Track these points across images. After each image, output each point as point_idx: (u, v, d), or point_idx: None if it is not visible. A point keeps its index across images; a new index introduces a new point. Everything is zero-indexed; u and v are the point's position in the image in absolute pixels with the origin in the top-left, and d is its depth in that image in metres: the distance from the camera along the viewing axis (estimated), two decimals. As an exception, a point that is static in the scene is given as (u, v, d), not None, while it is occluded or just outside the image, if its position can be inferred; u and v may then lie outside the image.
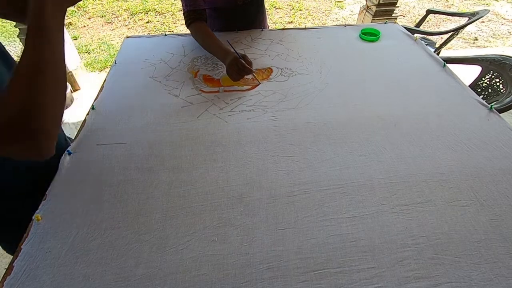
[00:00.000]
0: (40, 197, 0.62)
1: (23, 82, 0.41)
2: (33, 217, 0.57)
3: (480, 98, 0.83)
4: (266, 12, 1.29)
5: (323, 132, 0.75)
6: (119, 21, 3.46)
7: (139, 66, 1.01)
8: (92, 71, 2.65)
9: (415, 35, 1.16)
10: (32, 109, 0.41)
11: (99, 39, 3.15)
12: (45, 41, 0.42)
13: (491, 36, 3.03)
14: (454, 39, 1.97)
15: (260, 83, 0.92)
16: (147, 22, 3.41)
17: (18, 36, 1.98)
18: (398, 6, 2.26)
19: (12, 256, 0.53)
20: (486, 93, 1.25)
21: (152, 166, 0.68)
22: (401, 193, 0.61)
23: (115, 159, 0.69)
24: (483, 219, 0.57)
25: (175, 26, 3.36)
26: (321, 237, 0.55)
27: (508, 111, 1.05)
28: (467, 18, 1.78)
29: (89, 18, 3.52)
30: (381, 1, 2.18)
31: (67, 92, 0.44)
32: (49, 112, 0.43)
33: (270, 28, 1.27)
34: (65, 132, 0.81)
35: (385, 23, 1.26)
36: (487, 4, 3.69)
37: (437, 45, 1.93)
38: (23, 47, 0.43)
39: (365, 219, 0.57)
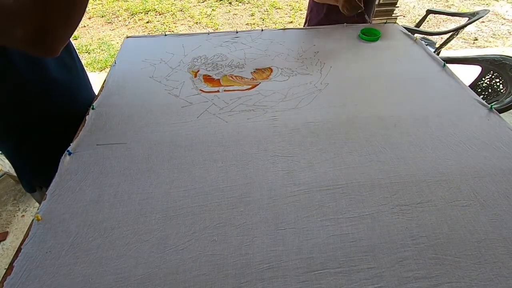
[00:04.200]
0: (61, 146, 0.71)
1: None
2: (33, 218, 0.57)
3: (480, 98, 0.83)
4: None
5: (323, 132, 0.75)
6: (119, 21, 3.46)
7: (139, 66, 1.01)
8: (92, 71, 2.66)
9: (415, 35, 1.16)
10: (47, 24, 0.42)
11: (99, 39, 3.15)
12: None
13: (491, 36, 3.03)
14: (454, 39, 1.97)
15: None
16: (147, 22, 3.41)
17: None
18: (398, 6, 2.26)
19: (12, 256, 0.53)
20: (486, 93, 1.26)
21: (152, 166, 0.68)
22: (401, 193, 0.61)
23: (115, 159, 0.69)
24: (483, 219, 0.57)
25: (175, 26, 3.36)
26: (321, 237, 0.55)
27: (508, 111, 1.06)
28: (467, 18, 1.79)
29: (89, 18, 3.52)
30: (381, 1, 2.18)
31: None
32: (63, 19, 0.44)
33: (269, 28, 1.27)
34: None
35: (385, 23, 1.26)
36: (487, 4, 3.69)
37: (437, 45, 1.93)
38: None
39: (365, 219, 0.57)
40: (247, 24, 3.36)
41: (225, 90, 0.90)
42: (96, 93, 0.90)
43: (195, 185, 0.64)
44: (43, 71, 0.69)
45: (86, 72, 0.87)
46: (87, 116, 0.80)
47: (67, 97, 0.78)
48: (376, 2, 2.19)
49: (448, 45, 2.08)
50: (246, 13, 3.57)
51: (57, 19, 0.44)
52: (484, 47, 2.88)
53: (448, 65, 0.96)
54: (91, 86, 0.91)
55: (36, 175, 0.80)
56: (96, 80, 2.51)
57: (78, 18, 0.48)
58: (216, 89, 0.91)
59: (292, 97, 0.87)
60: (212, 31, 1.58)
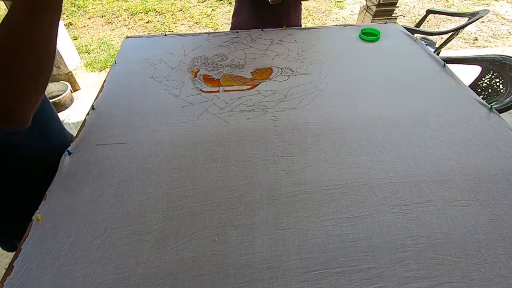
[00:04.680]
0: (39, 196, 0.62)
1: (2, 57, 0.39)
2: (33, 217, 0.57)
3: (480, 98, 0.83)
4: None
5: (323, 132, 0.75)
6: (119, 21, 3.46)
7: (139, 66, 1.01)
8: (92, 71, 2.66)
9: (415, 35, 1.16)
10: (10, 88, 0.40)
11: (99, 39, 3.15)
12: (38, 9, 0.39)
13: (491, 36, 3.03)
14: (454, 39, 1.97)
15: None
16: (147, 22, 3.41)
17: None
18: (398, 6, 2.26)
19: (12, 256, 0.53)
20: (486, 93, 1.25)
21: (152, 166, 0.68)
22: (401, 193, 0.61)
23: (115, 159, 0.69)
24: (483, 219, 0.57)
25: (175, 26, 3.36)
26: (321, 237, 0.55)
27: (508, 111, 1.06)
28: (467, 18, 1.79)
29: (89, 18, 3.52)
30: (381, 1, 2.18)
31: (50, 75, 0.44)
32: (28, 88, 0.41)
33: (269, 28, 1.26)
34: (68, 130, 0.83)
35: (385, 23, 1.26)
36: (487, 4, 3.69)
37: (437, 45, 1.93)
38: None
39: (365, 219, 0.57)
40: (247, 24, 3.35)
41: (225, 90, 0.90)
42: (95, 94, 0.90)
43: (195, 185, 0.64)
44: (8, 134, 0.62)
45: (54, 109, 0.76)
46: (87, 116, 0.80)
47: (40, 147, 0.69)
48: (376, 2, 2.20)
49: (448, 45, 2.08)
50: (246, 13, 3.56)
51: (25, 92, 0.42)
52: (484, 47, 2.88)
53: (448, 65, 0.96)
54: (61, 123, 0.79)
55: (15, 232, 0.65)
56: (96, 80, 2.51)
57: (46, 84, 0.45)
58: (216, 89, 0.91)
59: (292, 97, 0.87)
60: (212, 31, 1.58)
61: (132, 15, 3.55)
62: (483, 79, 1.26)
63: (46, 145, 0.70)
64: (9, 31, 0.39)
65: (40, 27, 0.40)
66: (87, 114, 0.81)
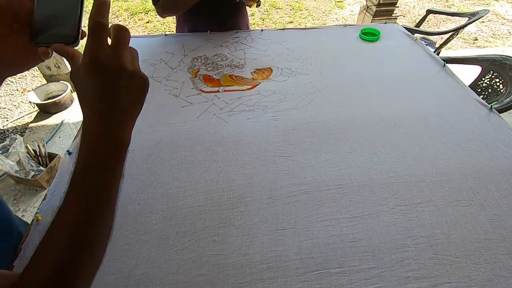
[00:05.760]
0: None
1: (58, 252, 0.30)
2: (33, 217, 0.57)
3: (480, 98, 0.83)
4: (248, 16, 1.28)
5: (323, 132, 0.75)
6: (119, 21, 3.46)
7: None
8: (92, 71, 2.65)
9: (415, 35, 1.16)
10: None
11: (99, 39, 3.14)
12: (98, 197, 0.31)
13: (491, 36, 3.03)
14: (454, 39, 1.97)
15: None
16: (147, 22, 3.41)
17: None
18: (398, 6, 2.26)
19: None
20: (486, 93, 1.26)
21: (152, 166, 0.68)
22: (401, 193, 0.61)
23: (115, 159, 0.69)
24: (483, 219, 0.57)
25: (175, 26, 3.36)
26: (321, 237, 0.55)
27: (508, 111, 1.06)
28: (467, 18, 1.79)
29: (89, 18, 3.52)
30: (381, 1, 2.18)
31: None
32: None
33: (269, 28, 1.26)
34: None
35: (385, 23, 1.26)
36: (487, 4, 3.69)
37: (437, 45, 1.93)
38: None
39: (365, 219, 0.57)
40: (247, 24, 3.35)
41: (225, 90, 0.90)
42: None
43: (195, 185, 0.64)
44: None
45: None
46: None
47: None
48: (376, 2, 2.19)
49: (448, 45, 2.07)
50: (246, 13, 3.56)
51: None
52: (484, 47, 2.88)
53: (448, 65, 0.96)
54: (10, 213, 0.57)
55: None
56: (96, 80, 2.51)
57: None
58: (216, 89, 0.91)
59: (292, 97, 0.87)
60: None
61: (132, 15, 3.55)
62: (483, 79, 1.26)
63: None
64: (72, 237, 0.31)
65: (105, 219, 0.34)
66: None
